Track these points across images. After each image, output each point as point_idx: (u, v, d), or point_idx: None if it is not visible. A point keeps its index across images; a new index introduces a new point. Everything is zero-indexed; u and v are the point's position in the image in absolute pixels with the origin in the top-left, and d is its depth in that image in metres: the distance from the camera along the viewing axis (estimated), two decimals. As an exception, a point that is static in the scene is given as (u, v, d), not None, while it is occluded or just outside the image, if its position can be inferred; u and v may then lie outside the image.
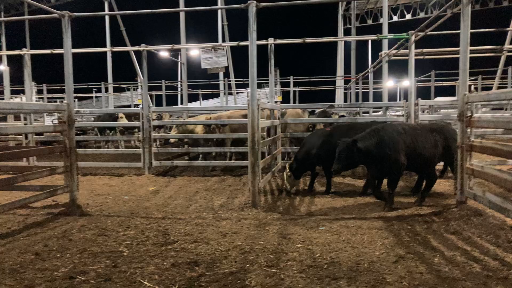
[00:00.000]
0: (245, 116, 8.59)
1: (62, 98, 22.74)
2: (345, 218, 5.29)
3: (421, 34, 8.29)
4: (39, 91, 23.94)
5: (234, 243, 4.26)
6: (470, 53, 5.38)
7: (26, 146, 9.59)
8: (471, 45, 5.34)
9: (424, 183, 6.32)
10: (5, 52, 17.46)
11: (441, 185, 7.34)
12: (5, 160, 6.51)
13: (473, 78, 19.85)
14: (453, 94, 20.68)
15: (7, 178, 5.41)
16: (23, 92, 18.37)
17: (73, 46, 6.17)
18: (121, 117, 13.38)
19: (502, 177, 4.57)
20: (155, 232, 4.73)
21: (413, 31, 8.38)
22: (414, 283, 3.22)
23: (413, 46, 8.40)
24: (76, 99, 21.56)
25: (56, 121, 5.82)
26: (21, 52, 10.59)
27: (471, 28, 5.30)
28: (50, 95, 24.69)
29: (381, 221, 5.06)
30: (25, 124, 10.62)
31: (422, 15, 31.87)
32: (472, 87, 20.12)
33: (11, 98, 17.93)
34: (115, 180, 8.65)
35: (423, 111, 11.57)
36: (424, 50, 10.31)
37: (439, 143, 5.99)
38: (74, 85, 6.18)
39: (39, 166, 7.56)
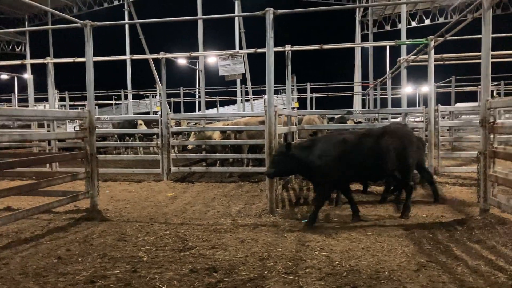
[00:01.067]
0: (262, 123, 8.61)
1: (83, 105, 23.27)
2: (364, 225, 5.22)
3: (441, 39, 8.18)
4: (62, 99, 24.58)
5: (252, 250, 4.26)
6: (492, 58, 5.28)
7: (50, 152, 9.82)
8: (492, 50, 5.24)
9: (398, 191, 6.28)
10: (29, 61, 18.03)
11: (464, 193, 7.18)
12: (30, 166, 6.68)
13: (495, 83, 19.46)
14: (474, 100, 20.29)
15: (31, 184, 5.58)
16: (46, 99, 18.92)
17: (94, 55, 6.31)
18: (140, 124, 13.58)
19: (527, 184, 4.45)
20: (174, 238, 4.77)
21: (432, 37, 8.28)
22: (436, 293, 3.16)
23: (432, 52, 8.30)
24: (96, 106, 21.99)
25: (78, 128, 5.96)
26: (45, 61, 10.91)
27: (493, 33, 5.20)
28: (72, 103, 25.33)
29: (401, 229, 4.97)
30: (48, 131, 10.90)
31: (441, 20, 31.38)
32: (495, 92, 19.73)
33: (35, 105, 18.44)
34: (134, 186, 8.76)
35: (443, 117, 11.39)
36: (444, 55, 10.17)
37: (391, 148, 5.45)
38: (95, 93, 6.31)
39: (62, 172, 7.74)
